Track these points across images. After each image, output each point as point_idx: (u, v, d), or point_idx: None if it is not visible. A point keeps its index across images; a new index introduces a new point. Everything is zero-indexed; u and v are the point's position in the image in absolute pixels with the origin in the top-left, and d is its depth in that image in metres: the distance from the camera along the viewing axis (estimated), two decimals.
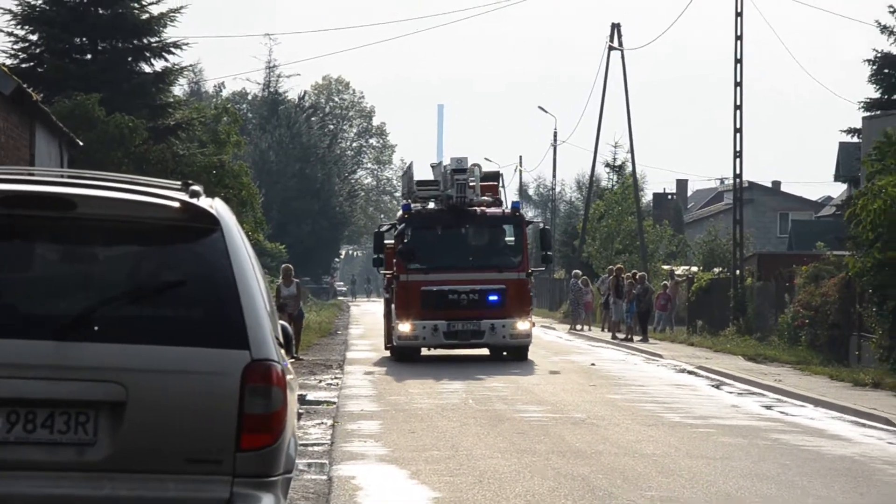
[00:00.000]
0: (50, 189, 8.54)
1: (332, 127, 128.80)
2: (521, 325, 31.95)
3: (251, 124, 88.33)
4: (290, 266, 39.12)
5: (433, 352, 37.93)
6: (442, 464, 17.23)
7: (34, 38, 43.64)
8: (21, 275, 8.33)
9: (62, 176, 9.97)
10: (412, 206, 33.73)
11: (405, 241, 32.59)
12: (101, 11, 44.00)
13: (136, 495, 7.66)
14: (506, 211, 34.11)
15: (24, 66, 40.85)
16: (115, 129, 37.10)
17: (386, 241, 35.71)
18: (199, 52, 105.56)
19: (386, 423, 22.89)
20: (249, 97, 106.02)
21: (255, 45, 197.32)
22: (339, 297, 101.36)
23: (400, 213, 34.24)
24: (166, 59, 46.08)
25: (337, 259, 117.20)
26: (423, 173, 41.41)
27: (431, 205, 35.16)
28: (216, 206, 8.37)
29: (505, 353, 34.07)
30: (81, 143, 32.28)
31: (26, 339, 7.73)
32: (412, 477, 16.52)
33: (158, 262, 8.38)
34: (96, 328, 7.88)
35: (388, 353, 37.56)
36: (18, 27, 42.90)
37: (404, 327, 31.54)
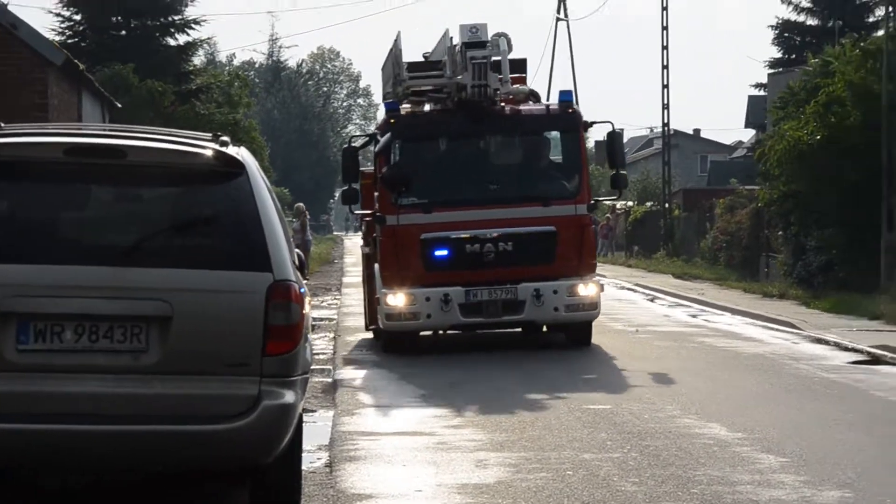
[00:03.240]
0: (104, 141, 8.61)
1: (325, 89, 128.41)
2: (585, 288, 17.91)
3: (258, 88, 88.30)
4: (302, 205, 37.32)
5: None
6: (424, 367, 17.03)
7: (78, 17, 43.67)
8: (82, 213, 8.31)
9: (112, 130, 10.03)
10: (401, 105, 18.68)
11: (393, 161, 18.22)
12: None
13: (182, 392, 7.71)
14: (552, 107, 19.20)
15: (69, 41, 41.01)
16: (147, 93, 37.39)
17: (363, 168, 20.35)
18: (213, 28, 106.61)
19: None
20: (256, 65, 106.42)
21: (261, 21, 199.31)
22: (335, 233, 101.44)
23: (382, 116, 19.83)
24: (188, 34, 46.42)
25: (332, 200, 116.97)
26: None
27: (427, 107, 19.30)
28: (242, 153, 8.46)
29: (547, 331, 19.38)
30: (119, 106, 32.38)
31: (89, 265, 7.76)
32: (401, 379, 16.46)
33: (195, 200, 8.35)
34: (145, 256, 7.89)
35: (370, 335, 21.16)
36: (65, 9, 43.06)
37: (396, 300, 17.73)
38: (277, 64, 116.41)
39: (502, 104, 18.34)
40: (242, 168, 8.20)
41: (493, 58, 17.82)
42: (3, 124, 8.59)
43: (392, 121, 18.17)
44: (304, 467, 8.95)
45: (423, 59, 20.17)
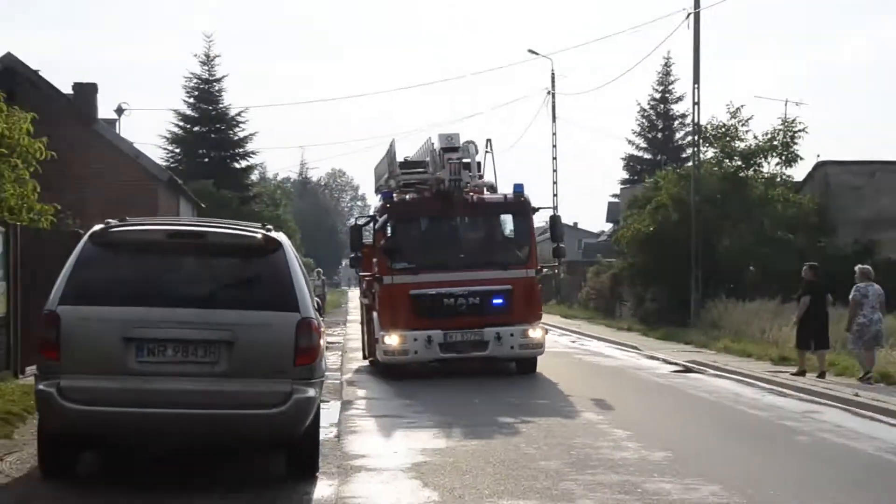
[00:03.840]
0: (193, 228, 8.95)
1: (336, 195, 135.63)
2: (533, 332, 17.13)
3: (293, 194, 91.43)
4: (320, 269, 43.64)
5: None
6: (407, 380, 16.39)
7: (178, 150, 45.56)
8: (178, 273, 8.56)
9: (198, 222, 10.47)
10: (394, 194, 18.08)
11: (388, 235, 17.33)
12: (212, 136, 46.53)
13: (241, 390, 7.89)
14: (508, 196, 18.13)
15: (171, 165, 41.96)
16: (222, 198, 38.03)
17: (365, 240, 19.10)
18: (264, 155, 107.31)
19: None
20: (291, 180, 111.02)
21: (295, 152, 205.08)
22: (342, 287, 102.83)
23: (380, 202, 18.60)
24: (248, 160, 48.83)
25: (340, 266, 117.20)
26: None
27: (413, 195, 18.36)
28: (280, 236, 8.72)
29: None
30: (203, 206, 33.05)
31: (182, 307, 8.06)
32: (389, 385, 16.23)
33: (250, 265, 8.60)
34: (217, 301, 8.20)
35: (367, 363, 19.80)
36: (170, 144, 45.84)
37: (391, 340, 16.91)
38: (306, 179, 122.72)
39: (471, 194, 17.10)
40: (280, 246, 8.41)
41: (465, 160, 16.82)
42: (128, 218, 8.93)
43: (388, 205, 16.98)
44: (321, 438, 9.06)
45: (404, 161, 18.73)
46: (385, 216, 16.64)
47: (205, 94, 47.48)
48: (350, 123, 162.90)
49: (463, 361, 16.32)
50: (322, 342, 8.60)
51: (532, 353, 16.66)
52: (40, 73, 25.63)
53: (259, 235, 8.42)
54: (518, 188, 17.18)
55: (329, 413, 12.10)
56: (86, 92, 26.90)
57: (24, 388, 11.98)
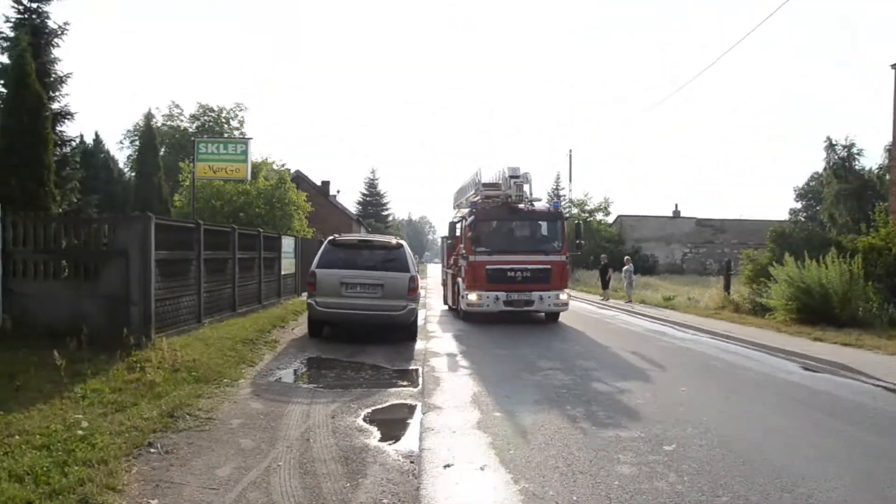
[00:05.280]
0: (367, 238, 15.48)
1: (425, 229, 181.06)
2: (562, 296, 21.40)
3: (404, 226, 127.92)
4: (417, 256, 59.48)
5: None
6: (470, 320, 21.36)
7: (360, 205, 69.17)
8: (362, 257, 14.77)
9: (368, 236, 16.83)
10: (479, 202, 22.45)
11: (474, 229, 21.63)
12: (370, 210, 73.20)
13: (388, 303, 14.33)
14: (550, 209, 22.63)
15: (360, 207, 61.54)
16: (376, 229, 64.28)
17: (456, 233, 23.62)
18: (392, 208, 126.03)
19: (437, 295, 26.21)
20: (405, 220, 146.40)
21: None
22: (425, 262, 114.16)
23: (469, 208, 22.94)
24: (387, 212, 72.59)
25: (426, 253, 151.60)
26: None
27: (487, 205, 22.87)
28: (402, 241, 15.15)
29: (544, 316, 22.56)
30: (370, 230, 56.27)
31: (366, 271, 14.36)
32: (456, 320, 21.81)
33: (391, 253, 15.06)
34: (378, 269, 14.47)
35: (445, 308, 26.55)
36: (362, 198, 72.66)
37: (472, 297, 21.24)
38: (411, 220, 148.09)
39: (527, 205, 22.04)
40: (402, 245, 15.29)
41: (524, 184, 22.11)
42: (341, 233, 15.38)
43: (474, 210, 21.78)
44: (418, 325, 15.77)
45: (484, 183, 23.31)
46: (472, 217, 21.74)
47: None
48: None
49: (515, 313, 21.58)
50: (419, 286, 15.71)
51: (560, 309, 21.56)
52: (304, 175, 50.36)
53: (394, 241, 15.82)
54: (556, 204, 23.19)
55: (420, 315, 19.81)
56: (325, 184, 54.28)
57: (302, 302, 21.69)
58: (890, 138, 28.05)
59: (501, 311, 21.27)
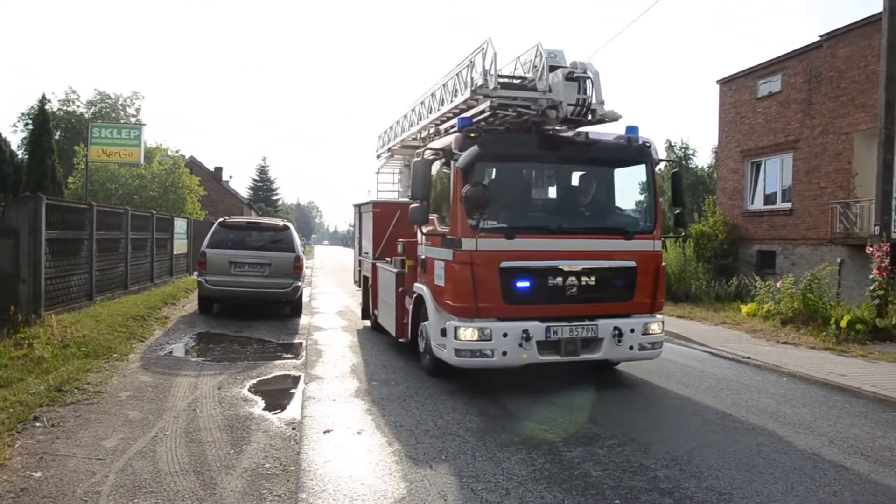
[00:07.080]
0: (255, 220, 14.86)
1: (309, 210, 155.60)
2: (654, 325, 9.17)
3: (293, 210, 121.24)
4: (304, 237, 62.11)
5: None
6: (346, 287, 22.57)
7: (251, 190, 65.20)
8: (250, 238, 14.56)
9: (257, 219, 16.22)
10: (480, 123, 9.32)
11: (473, 182, 8.27)
12: (261, 194, 67.93)
13: (274, 281, 13.68)
14: (632, 139, 9.29)
15: (252, 192, 57.79)
16: (266, 213, 58.52)
17: (399, 190, 14.39)
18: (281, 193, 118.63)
19: (323, 274, 24.66)
20: (293, 205, 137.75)
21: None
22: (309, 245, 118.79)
23: (454, 134, 9.02)
24: (277, 196, 67.48)
25: (313, 236, 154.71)
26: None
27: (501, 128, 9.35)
28: (288, 223, 14.67)
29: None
30: (260, 213, 58.30)
31: (253, 251, 14.16)
32: (336, 300, 19.21)
33: (278, 235, 14.64)
34: (264, 248, 14.13)
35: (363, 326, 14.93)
36: (250, 190, 66.27)
37: (467, 332, 8.36)
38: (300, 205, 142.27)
39: (585, 132, 9.65)
40: (289, 227, 14.85)
41: (587, 87, 9.13)
42: (231, 216, 15.21)
43: (473, 135, 8.94)
44: (303, 301, 15.82)
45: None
46: (474, 148, 8.73)
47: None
48: None
49: (562, 366, 9.47)
50: (304, 265, 15.68)
51: (653, 354, 9.56)
52: (198, 161, 44.64)
53: (281, 223, 15.64)
54: (633, 131, 9.83)
55: (306, 292, 19.97)
56: (218, 169, 50.10)
57: (193, 280, 20.86)
58: (716, 141, 29.55)
59: (533, 362, 8.94)
